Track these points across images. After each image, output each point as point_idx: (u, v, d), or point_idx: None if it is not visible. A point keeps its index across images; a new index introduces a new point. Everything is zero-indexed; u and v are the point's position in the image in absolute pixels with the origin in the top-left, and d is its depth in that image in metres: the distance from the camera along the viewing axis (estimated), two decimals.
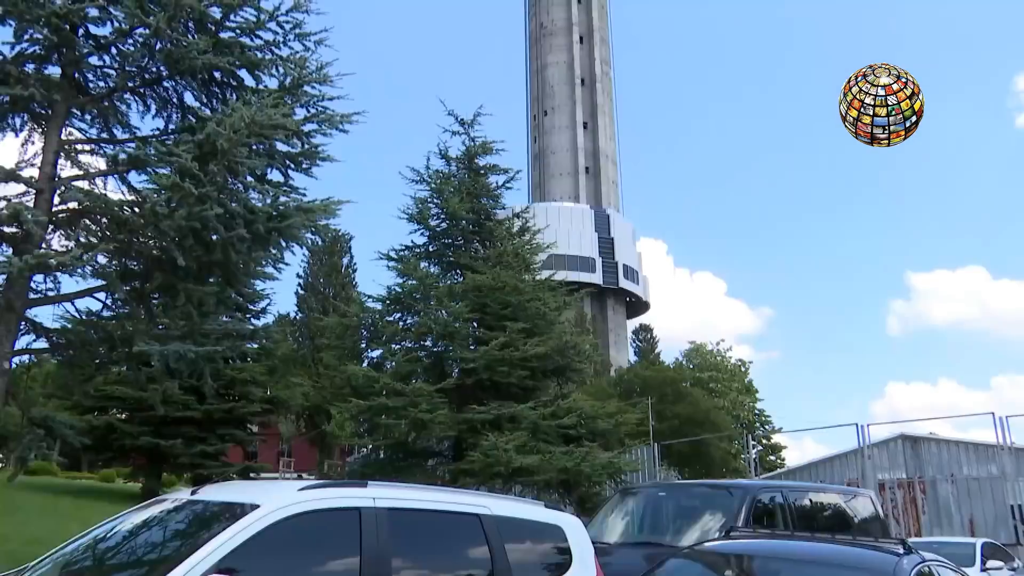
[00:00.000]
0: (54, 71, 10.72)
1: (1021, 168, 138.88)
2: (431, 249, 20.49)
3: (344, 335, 20.23)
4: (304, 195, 11.14)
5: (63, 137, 10.74)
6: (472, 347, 18.42)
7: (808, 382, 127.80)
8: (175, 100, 11.54)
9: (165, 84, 11.35)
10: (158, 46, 10.45)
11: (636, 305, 77.91)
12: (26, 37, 10.11)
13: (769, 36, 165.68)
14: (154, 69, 10.99)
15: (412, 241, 20.49)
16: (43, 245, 10.17)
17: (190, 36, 10.65)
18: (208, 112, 11.06)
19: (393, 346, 19.16)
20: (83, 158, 11.18)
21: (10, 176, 9.91)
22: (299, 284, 46.13)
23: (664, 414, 36.12)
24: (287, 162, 11.05)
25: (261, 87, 11.31)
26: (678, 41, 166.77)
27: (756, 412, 59.64)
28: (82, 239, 10.64)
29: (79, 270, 10.09)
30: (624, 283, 73.18)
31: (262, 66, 11.13)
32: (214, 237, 10.00)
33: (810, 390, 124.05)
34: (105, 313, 11.28)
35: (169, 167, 9.67)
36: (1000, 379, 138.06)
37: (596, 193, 77.81)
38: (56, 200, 10.41)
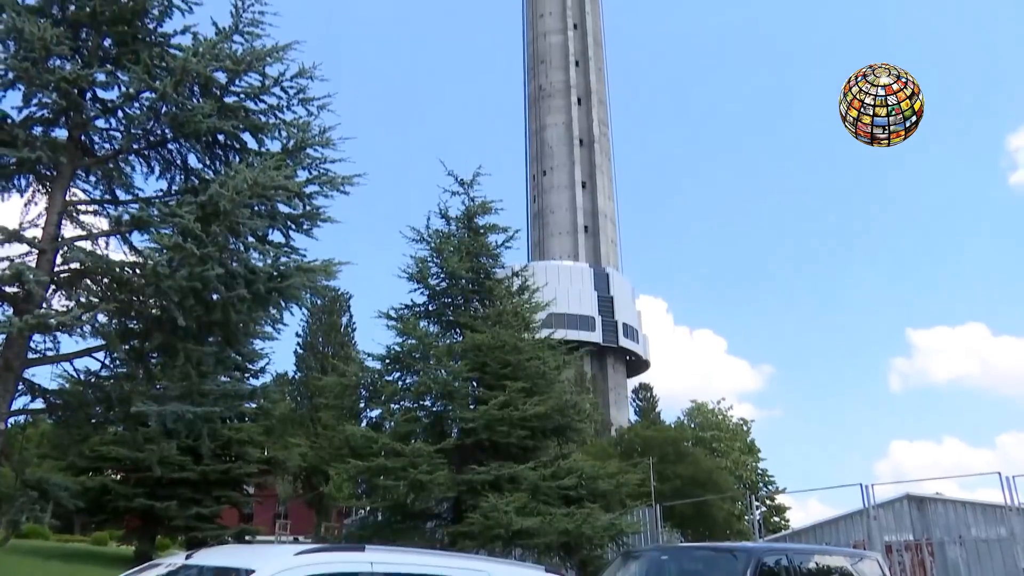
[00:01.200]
0: (61, 133, 10.91)
1: (1016, 225, 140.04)
2: (431, 308, 20.50)
3: (343, 395, 20.10)
4: (304, 255, 11.24)
5: (67, 198, 10.86)
6: (472, 406, 18.29)
7: (811, 440, 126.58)
8: (179, 162, 11.71)
9: (169, 146, 11.53)
10: (164, 109, 10.65)
11: (636, 364, 77.55)
12: (35, 101, 10.31)
13: (763, 94, 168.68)
14: (159, 132, 11.18)
15: (412, 300, 20.52)
16: (44, 305, 10.20)
17: (195, 100, 10.86)
18: (211, 174, 11.22)
19: (392, 406, 19.01)
20: (86, 218, 11.31)
21: (13, 236, 9.98)
22: (298, 343, 45.97)
23: (666, 474, 35.64)
24: (288, 223, 11.16)
25: (264, 149, 11.48)
26: (675, 101, 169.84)
27: (759, 472, 58.87)
28: (83, 299, 10.68)
29: (79, 330, 10.11)
30: (624, 342, 72.96)
31: (265, 129, 11.33)
32: (214, 297, 10.04)
33: (813, 449, 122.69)
34: (103, 372, 11.25)
35: (171, 227, 9.76)
36: (1005, 437, 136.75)
37: (595, 252, 78.16)
38: (58, 260, 10.48)
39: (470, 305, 20.47)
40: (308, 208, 11.16)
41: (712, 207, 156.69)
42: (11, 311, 9.93)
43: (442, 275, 20.26)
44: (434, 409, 18.81)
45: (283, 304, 10.78)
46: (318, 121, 11.54)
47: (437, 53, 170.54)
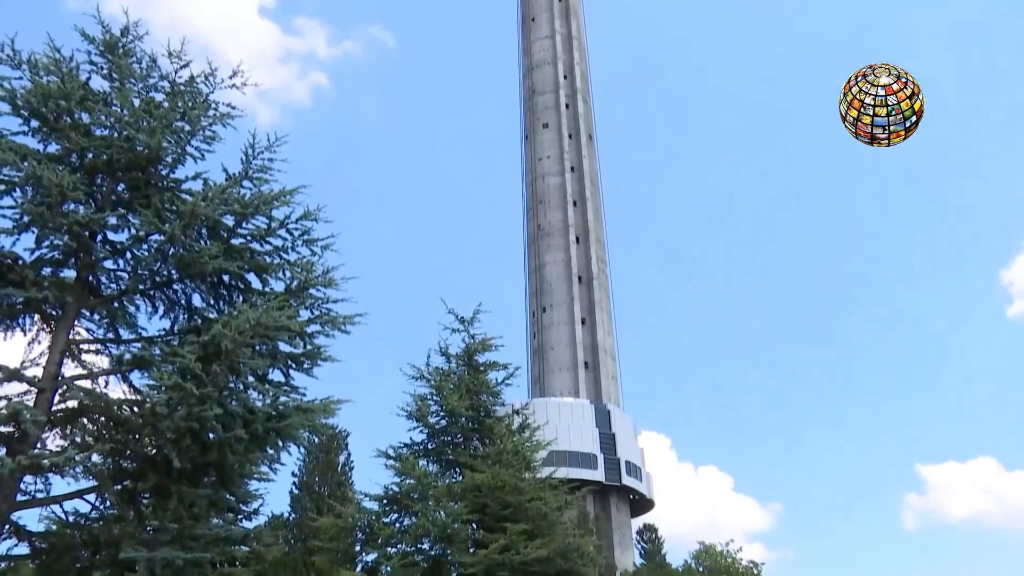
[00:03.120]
0: (69, 274, 11.11)
1: (1017, 358, 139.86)
2: (430, 447, 20.22)
3: (338, 537, 19.49)
4: (304, 395, 11.20)
5: (70, 337, 10.93)
6: (471, 550, 17.70)
7: None
8: (183, 301, 11.86)
9: (175, 286, 11.72)
10: (171, 251, 10.90)
11: (640, 503, 75.38)
12: (46, 243, 10.56)
13: (751, 221, 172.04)
14: (166, 272, 11.40)
15: (411, 438, 20.28)
16: (38, 445, 10.07)
17: (203, 242, 11.14)
18: (215, 313, 11.34)
19: (389, 550, 18.39)
20: (87, 357, 11.33)
21: (13, 376, 9.99)
22: (293, 483, 44.85)
23: None
24: (289, 362, 11.19)
25: (268, 290, 11.66)
26: (671, 236, 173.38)
27: None
28: (78, 439, 10.55)
29: (71, 471, 9.94)
30: (627, 480, 71.20)
31: (270, 270, 11.54)
32: (211, 436, 9.93)
33: None
34: (93, 515, 10.95)
35: (172, 366, 9.78)
36: None
37: (596, 388, 77.67)
38: (56, 399, 10.43)
39: (470, 444, 20.20)
40: (309, 347, 11.22)
41: (713, 341, 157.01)
42: (4, 451, 9.79)
43: (442, 413, 20.10)
44: (432, 553, 18.20)
45: (281, 444, 10.65)
46: (321, 261, 11.79)
47: (441, 193, 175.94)
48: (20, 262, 10.53)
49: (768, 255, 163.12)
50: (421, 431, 20.24)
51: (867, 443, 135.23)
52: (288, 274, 11.60)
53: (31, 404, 9.96)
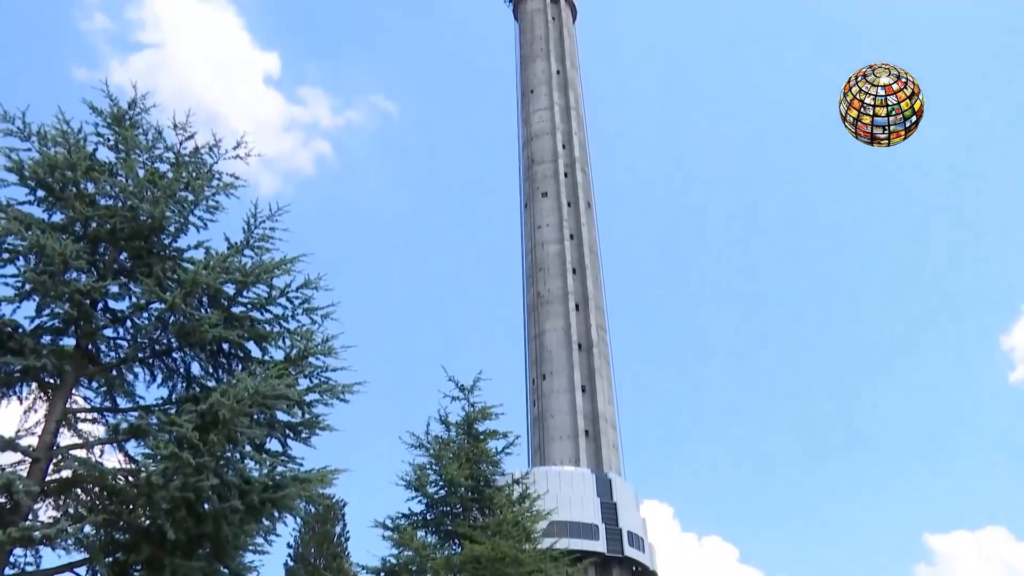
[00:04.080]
0: (68, 342, 11.10)
1: (1022, 423, 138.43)
2: (429, 517, 19.93)
3: None
4: (301, 465, 11.07)
5: (67, 406, 10.86)
6: None
7: None
8: (182, 370, 11.83)
9: (174, 355, 11.70)
10: (171, 319, 10.93)
11: (643, 575, 73.76)
12: (47, 312, 10.59)
13: (754, 273, 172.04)
14: (165, 341, 11.40)
15: (409, 509, 20.02)
16: (30, 516, 9.91)
17: (203, 310, 11.17)
18: (213, 382, 11.30)
19: None
20: (83, 426, 11.24)
21: (8, 445, 9.89)
22: (288, 555, 43.90)
23: None
24: (287, 431, 11.10)
25: (267, 358, 11.63)
26: (671, 300, 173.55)
27: None
28: (71, 510, 10.39)
29: (63, 543, 9.76)
30: (629, 551, 69.60)
31: (270, 338, 11.54)
32: (206, 507, 9.78)
33: None
34: None
35: (169, 435, 9.69)
36: None
37: (597, 456, 76.67)
38: (50, 468, 10.31)
39: (469, 514, 19.91)
40: (308, 416, 11.14)
41: (715, 409, 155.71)
42: None
43: (441, 483, 19.87)
44: None
45: (277, 515, 10.48)
46: (321, 330, 11.79)
47: (442, 260, 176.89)
48: (20, 330, 10.54)
49: (770, 323, 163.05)
50: (420, 501, 19.98)
51: (874, 513, 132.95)
52: (288, 342, 11.59)
53: (25, 474, 9.83)
